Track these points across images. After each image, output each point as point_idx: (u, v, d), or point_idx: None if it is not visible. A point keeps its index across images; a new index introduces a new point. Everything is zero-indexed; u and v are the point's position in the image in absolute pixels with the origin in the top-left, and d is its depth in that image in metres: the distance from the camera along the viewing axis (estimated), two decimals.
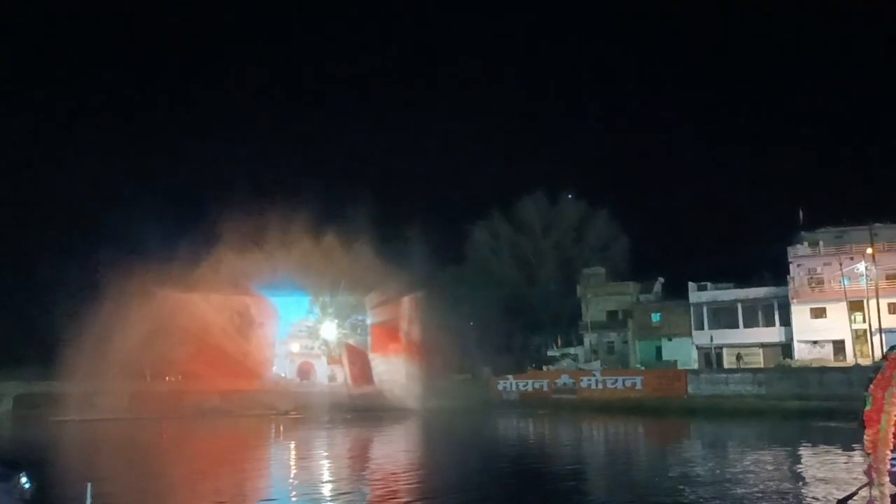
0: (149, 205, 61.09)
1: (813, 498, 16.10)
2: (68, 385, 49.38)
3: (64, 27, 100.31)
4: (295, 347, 63.51)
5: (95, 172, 70.13)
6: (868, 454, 10.01)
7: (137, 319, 48.50)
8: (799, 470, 21.95)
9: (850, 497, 15.02)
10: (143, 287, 49.82)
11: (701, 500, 16.30)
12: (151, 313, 49.41)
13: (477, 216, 69.07)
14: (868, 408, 10.20)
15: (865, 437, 10.28)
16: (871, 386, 10.23)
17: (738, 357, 52.77)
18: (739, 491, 17.12)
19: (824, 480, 18.51)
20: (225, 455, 31.20)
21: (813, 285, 52.61)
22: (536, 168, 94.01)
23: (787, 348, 52.64)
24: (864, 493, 15.30)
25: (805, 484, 18.62)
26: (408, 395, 54.94)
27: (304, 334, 63.26)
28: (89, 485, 9.00)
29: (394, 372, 60.80)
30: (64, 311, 48.05)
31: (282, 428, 42.11)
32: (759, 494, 16.56)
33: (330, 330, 63.72)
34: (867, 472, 10.08)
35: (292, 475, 24.47)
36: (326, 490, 20.22)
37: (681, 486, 18.14)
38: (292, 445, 35.29)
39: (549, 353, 63.76)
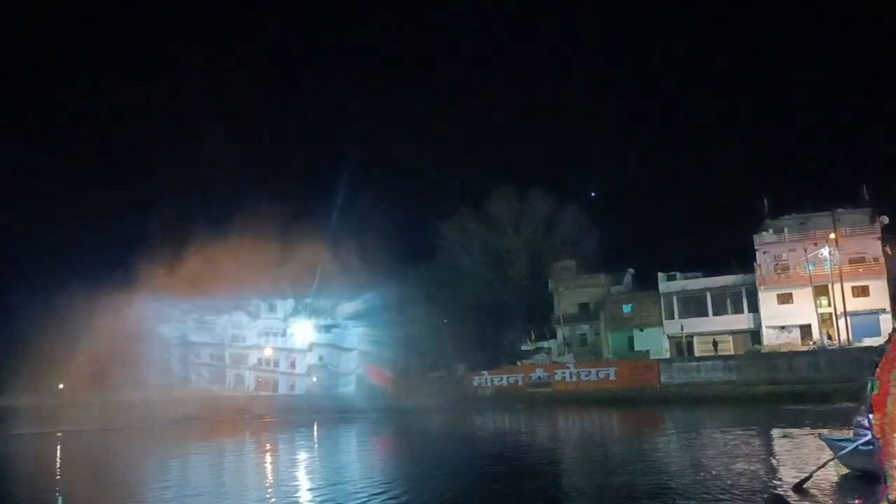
0: (111, 211, 60.27)
1: (778, 480, 16.18)
2: (32, 398, 48.43)
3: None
4: (268, 352, 63.03)
5: (53, 181, 69.11)
6: (878, 438, 9.91)
7: (102, 327, 47.76)
8: (763, 453, 22.12)
9: (805, 480, 15.15)
10: (107, 294, 49.13)
11: (665, 483, 16.30)
12: (117, 320, 48.75)
13: (447, 213, 69.12)
14: (875, 392, 10.12)
15: (874, 421, 10.19)
16: (878, 370, 10.15)
17: (715, 344, 53.28)
18: (702, 474, 17.17)
19: (787, 463, 18.66)
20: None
21: (779, 272, 53.36)
22: (504, 164, 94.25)
23: (755, 334, 53.37)
24: (819, 475, 15.32)
25: (767, 466, 18.75)
26: (383, 395, 54.80)
27: (275, 336, 62.93)
28: (60, 498, 8.78)
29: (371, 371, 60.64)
30: (24, 322, 47.12)
31: (254, 432, 41.63)
32: (728, 481, 16.59)
33: (305, 331, 63.41)
34: (878, 458, 9.95)
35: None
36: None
37: (653, 471, 18.20)
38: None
39: (523, 347, 64.02)
